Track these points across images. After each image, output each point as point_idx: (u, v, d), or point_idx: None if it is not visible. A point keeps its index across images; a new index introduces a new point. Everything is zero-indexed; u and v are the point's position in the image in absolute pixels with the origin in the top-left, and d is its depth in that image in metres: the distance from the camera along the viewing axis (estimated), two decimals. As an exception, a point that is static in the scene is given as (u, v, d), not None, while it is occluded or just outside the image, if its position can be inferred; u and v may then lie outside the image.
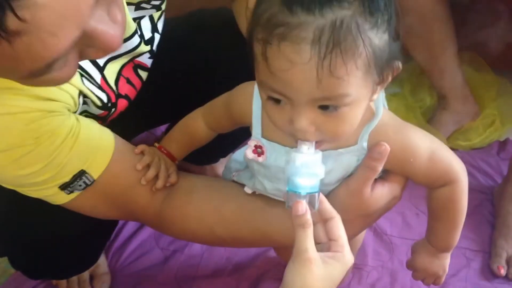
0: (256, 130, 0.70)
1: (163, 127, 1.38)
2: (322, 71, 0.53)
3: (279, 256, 1.11)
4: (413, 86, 1.59)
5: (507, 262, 1.20)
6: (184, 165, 1.25)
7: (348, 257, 0.62)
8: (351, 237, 0.80)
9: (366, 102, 0.60)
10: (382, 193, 0.71)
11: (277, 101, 0.58)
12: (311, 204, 0.62)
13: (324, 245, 0.63)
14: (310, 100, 0.55)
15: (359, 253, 1.18)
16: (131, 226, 1.29)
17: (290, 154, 0.62)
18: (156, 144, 0.83)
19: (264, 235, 0.78)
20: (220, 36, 0.95)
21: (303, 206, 0.61)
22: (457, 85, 1.46)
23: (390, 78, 0.61)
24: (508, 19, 1.43)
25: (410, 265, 0.83)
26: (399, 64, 0.60)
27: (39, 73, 0.50)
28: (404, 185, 0.74)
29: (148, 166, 0.78)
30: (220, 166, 1.31)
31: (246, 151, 0.71)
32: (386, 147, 0.65)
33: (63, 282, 1.17)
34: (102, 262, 1.20)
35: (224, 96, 0.77)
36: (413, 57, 1.49)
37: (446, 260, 0.80)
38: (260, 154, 0.69)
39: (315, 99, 0.55)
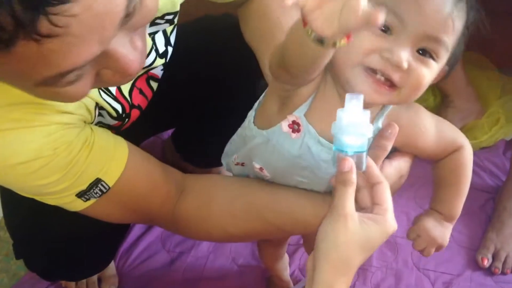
0: (302, 107, 0.69)
1: (169, 131, 1.39)
2: (452, 12, 0.61)
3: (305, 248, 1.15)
4: (417, 86, 1.59)
5: (494, 256, 1.21)
6: (189, 169, 1.26)
7: (390, 223, 0.59)
8: None
9: (436, 73, 0.65)
10: (390, 171, 0.73)
11: (382, 31, 0.61)
12: (357, 164, 0.60)
13: (368, 209, 0.61)
14: (419, 35, 0.60)
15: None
16: (137, 229, 1.31)
17: (337, 113, 0.60)
18: None
19: (276, 227, 0.80)
20: (226, 42, 0.96)
21: (349, 163, 0.59)
22: (460, 84, 1.46)
23: (439, 76, 0.67)
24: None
25: (411, 232, 0.80)
26: (447, 70, 0.67)
27: (51, 82, 0.51)
28: (411, 164, 0.76)
29: None
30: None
31: (282, 123, 0.70)
32: (396, 127, 0.68)
33: (72, 284, 1.19)
34: (110, 264, 1.22)
35: None
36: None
37: (448, 230, 0.79)
38: (295, 131, 0.69)
39: (423, 35, 0.61)
